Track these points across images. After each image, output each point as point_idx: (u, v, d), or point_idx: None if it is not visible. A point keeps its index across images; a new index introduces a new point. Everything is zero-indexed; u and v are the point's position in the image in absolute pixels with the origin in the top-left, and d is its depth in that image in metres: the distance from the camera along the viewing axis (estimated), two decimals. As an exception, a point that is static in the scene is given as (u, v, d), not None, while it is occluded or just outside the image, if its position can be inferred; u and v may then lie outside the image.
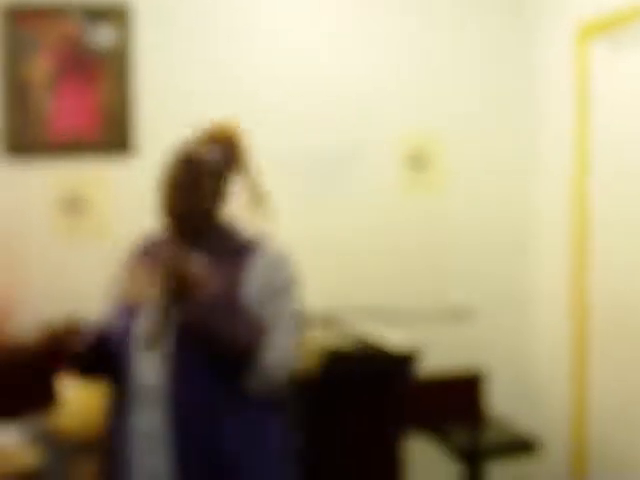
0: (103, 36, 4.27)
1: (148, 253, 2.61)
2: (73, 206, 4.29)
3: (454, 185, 4.71)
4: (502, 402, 4.58)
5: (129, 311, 2.50)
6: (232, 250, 2.55)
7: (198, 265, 2.39)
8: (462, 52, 4.70)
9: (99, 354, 2.53)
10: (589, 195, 4.27)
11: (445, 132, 4.68)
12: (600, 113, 4.19)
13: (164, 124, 4.33)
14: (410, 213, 4.68)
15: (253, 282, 2.49)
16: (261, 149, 4.41)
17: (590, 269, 4.27)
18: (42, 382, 3.16)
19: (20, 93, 4.20)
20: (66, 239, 4.30)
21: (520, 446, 4.22)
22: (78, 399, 3.46)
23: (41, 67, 4.22)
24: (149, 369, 2.44)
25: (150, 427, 2.44)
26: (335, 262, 4.56)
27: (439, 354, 4.36)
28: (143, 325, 2.45)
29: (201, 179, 2.52)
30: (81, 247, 4.31)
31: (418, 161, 4.67)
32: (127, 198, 4.33)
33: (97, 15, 4.26)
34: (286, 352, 2.47)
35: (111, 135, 4.31)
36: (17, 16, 4.16)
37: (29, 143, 4.23)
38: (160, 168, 2.58)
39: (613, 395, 4.11)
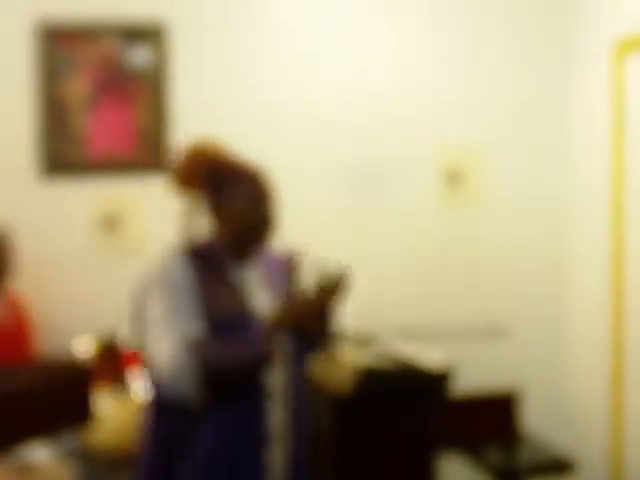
0: (140, 56, 4.32)
1: (204, 264, 2.62)
2: (110, 224, 4.33)
3: (489, 201, 4.70)
4: (538, 420, 4.54)
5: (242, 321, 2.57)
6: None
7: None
8: (498, 67, 4.70)
9: None
10: (626, 210, 4.24)
11: (481, 147, 4.68)
12: (635, 127, 4.17)
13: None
14: (445, 230, 4.67)
15: None
16: (294, 165, 4.48)
17: (628, 286, 4.24)
18: (78, 398, 3.19)
19: (58, 113, 4.25)
20: (103, 257, 4.34)
21: (556, 465, 4.18)
22: (114, 415, 3.48)
23: (78, 87, 4.28)
24: (279, 373, 2.59)
25: (274, 424, 2.59)
26: (370, 279, 4.55)
27: (474, 372, 4.34)
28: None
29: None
30: (118, 265, 4.34)
31: (454, 177, 4.66)
32: (163, 217, 4.36)
33: (134, 35, 4.30)
34: None
35: (147, 155, 4.35)
36: (54, 37, 4.22)
37: (67, 162, 4.28)
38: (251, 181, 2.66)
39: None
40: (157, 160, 4.35)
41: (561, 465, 4.18)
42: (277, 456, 2.60)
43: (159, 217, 4.36)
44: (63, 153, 4.27)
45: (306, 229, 4.48)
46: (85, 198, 4.29)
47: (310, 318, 2.54)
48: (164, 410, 2.56)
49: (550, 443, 4.44)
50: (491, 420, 4.03)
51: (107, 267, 4.34)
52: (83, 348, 3.92)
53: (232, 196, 2.62)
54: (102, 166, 4.33)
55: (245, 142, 4.42)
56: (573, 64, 4.70)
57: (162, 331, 2.48)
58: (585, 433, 4.60)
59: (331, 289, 2.55)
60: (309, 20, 4.52)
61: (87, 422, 3.25)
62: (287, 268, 2.63)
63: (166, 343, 2.44)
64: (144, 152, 4.36)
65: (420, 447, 3.86)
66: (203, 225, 2.69)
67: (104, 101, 4.31)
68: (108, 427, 3.42)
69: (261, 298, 2.64)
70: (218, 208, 2.65)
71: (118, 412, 3.51)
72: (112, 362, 3.79)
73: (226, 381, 2.49)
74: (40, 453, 3.18)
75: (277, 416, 2.60)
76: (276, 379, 2.60)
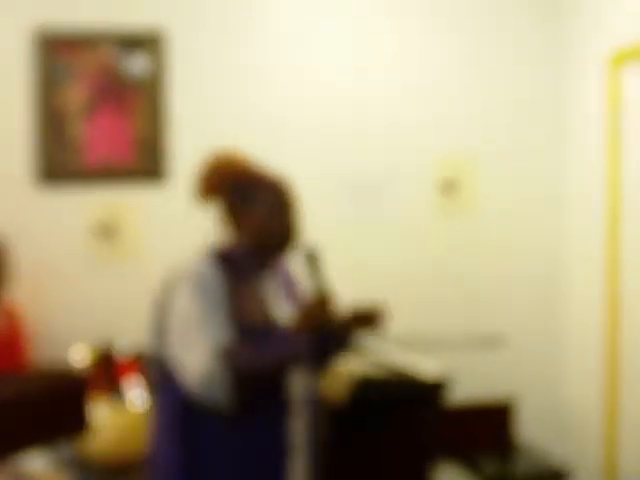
0: (137, 64, 4.32)
1: (231, 270, 2.59)
2: (106, 232, 4.33)
3: (486, 210, 4.70)
4: (533, 430, 4.54)
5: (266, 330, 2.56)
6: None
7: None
8: (494, 77, 4.71)
9: None
10: (623, 219, 4.24)
11: (477, 156, 4.68)
12: (631, 137, 4.18)
13: (196, 152, 4.35)
14: (441, 239, 4.67)
15: None
16: (292, 174, 4.47)
17: (624, 296, 4.24)
18: (74, 407, 3.18)
19: (55, 121, 4.25)
20: (99, 265, 4.33)
21: (551, 475, 4.18)
22: (110, 424, 3.48)
23: (76, 95, 4.28)
24: (299, 383, 2.61)
25: (298, 437, 2.61)
26: (364, 288, 4.55)
27: (470, 382, 4.33)
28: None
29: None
30: (114, 273, 4.34)
31: (450, 185, 4.67)
32: (160, 224, 4.37)
33: (131, 43, 4.31)
34: None
35: (144, 162, 4.35)
36: (52, 45, 4.22)
37: (64, 170, 4.27)
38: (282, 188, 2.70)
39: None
40: (154, 168, 4.36)
41: (557, 475, 4.18)
42: (299, 465, 2.61)
43: (156, 225, 4.37)
44: (60, 161, 4.27)
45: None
46: (82, 206, 4.28)
47: (329, 317, 2.51)
48: (189, 417, 2.53)
49: (546, 453, 4.44)
50: (487, 430, 4.04)
51: (104, 275, 4.33)
52: (79, 357, 3.91)
53: (253, 205, 2.63)
54: (99, 174, 4.33)
55: (243, 149, 4.44)
56: (570, 73, 4.71)
57: (194, 337, 2.45)
58: (581, 443, 4.60)
59: (363, 319, 2.65)
60: (308, 29, 4.52)
61: (83, 431, 3.25)
62: (305, 264, 2.61)
63: (198, 350, 2.42)
64: (141, 160, 4.35)
65: (416, 457, 3.85)
66: (226, 233, 2.69)
67: (101, 109, 4.31)
68: (104, 436, 3.42)
69: (282, 307, 2.65)
70: (240, 217, 2.65)
71: (114, 421, 3.51)
72: (108, 371, 3.78)
73: (256, 387, 2.48)
74: (36, 462, 3.18)
75: (299, 425, 2.60)
76: (297, 387, 2.61)
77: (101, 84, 4.30)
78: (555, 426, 4.73)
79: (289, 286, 2.76)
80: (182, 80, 4.38)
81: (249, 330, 2.51)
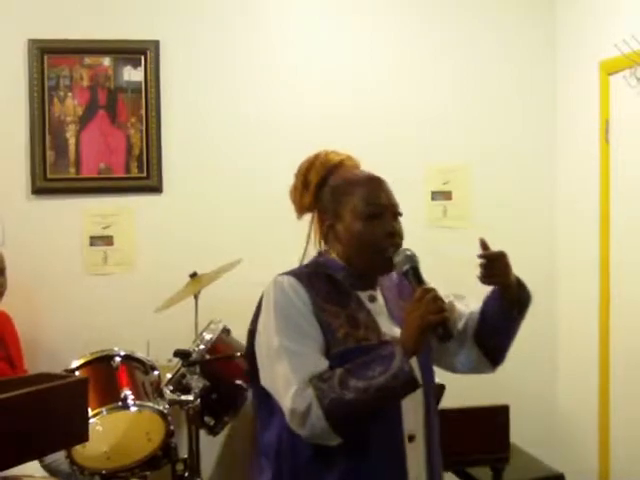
0: (131, 75, 4.36)
1: (323, 288, 2.25)
2: (101, 241, 4.36)
3: (478, 220, 4.73)
4: (527, 437, 4.54)
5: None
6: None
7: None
8: (487, 87, 4.78)
9: None
10: (614, 227, 4.26)
11: (469, 165, 4.74)
12: (620, 144, 4.20)
13: (189, 163, 4.40)
14: (435, 249, 4.68)
15: None
16: (285, 185, 4.49)
17: (616, 304, 4.25)
18: (71, 414, 3.20)
19: (50, 130, 4.29)
20: (94, 274, 4.36)
21: (544, 481, 4.18)
22: (106, 431, 3.48)
23: (71, 105, 4.31)
24: (410, 413, 2.23)
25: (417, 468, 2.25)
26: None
27: (463, 391, 4.34)
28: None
29: None
30: (109, 281, 4.37)
31: (442, 196, 4.70)
32: (153, 234, 4.39)
33: (126, 54, 4.35)
34: None
35: (138, 172, 4.38)
36: (47, 56, 4.26)
37: (58, 180, 4.31)
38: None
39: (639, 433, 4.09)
40: (147, 178, 4.39)
41: (550, 481, 4.18)
42: None
43: (150, 234, 4.40)
44: (55, 170, 4.30)
45: (297, 249, 4.49)
46: (76, 215, 4.32)
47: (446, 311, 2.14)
48: (288, 451, 2.21)
49: (539, 462, 4.43)
50: (480, 437, 4.03)
51: (98, 285, 4.36)
52: (76, 365, 3.91)
53: (345, 210, 2.27)
54: (94, 184, 4.36)
55: (236, 160, 4.48)
56: (563, 82, 4.75)
57: (284, 365, 2.13)
58: (574, 449, 4.60)
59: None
60: (299, 45, 4.59)
61: (80, 438, 3.25)
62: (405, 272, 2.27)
63: (289, 378, 2.11)
64: (135, 170, 4.39)
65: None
66: (322, 245, 2.37)
67: (96, 119, 4.35)
68: (100, 442, 3.43)
69: (389, 327, 2.27)
70: (337, 227, 2.29)
71: (110, 428, 3.52)
72: (105, 378, 3.77)
73: (357, 416, 2.10)
74: (30, 466, 3.18)
75: (419, 459, 2.25)
76: (415, 416, 2.24)
77: (96, 94, 4.34)
78: (548, 432, 4.74)
79: (400, 303, 2.34)
80: (176, 91, 4.41)
81: (348, 353, 2.14)
